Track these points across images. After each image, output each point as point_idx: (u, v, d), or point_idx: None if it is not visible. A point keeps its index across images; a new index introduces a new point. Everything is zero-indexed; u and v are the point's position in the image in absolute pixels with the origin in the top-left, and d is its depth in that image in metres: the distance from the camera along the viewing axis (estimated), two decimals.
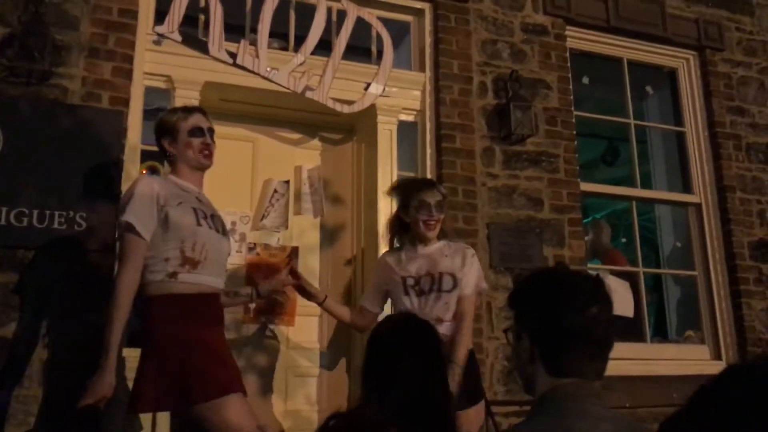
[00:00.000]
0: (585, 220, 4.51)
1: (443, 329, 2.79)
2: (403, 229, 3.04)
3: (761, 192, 4.64)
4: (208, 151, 2.61)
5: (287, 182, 4.09)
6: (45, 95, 3.21)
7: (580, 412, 1.29)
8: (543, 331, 1.41)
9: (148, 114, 3.90)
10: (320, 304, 3.11)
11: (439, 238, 3.02)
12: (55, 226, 3.07)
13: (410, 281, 2.95)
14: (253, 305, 3.68)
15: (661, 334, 4.77)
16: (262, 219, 4.00)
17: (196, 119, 2.63)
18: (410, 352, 1.77)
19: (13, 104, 3.13)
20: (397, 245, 3.12)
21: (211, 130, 2.67)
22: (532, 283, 1.50)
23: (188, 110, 2.70)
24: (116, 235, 2.45)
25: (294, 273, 3.03)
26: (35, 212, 3.05)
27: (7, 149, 3.06)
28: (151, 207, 2.40)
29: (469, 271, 2.96)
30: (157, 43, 3.52)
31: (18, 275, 3.00)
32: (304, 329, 3.94)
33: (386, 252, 3.21)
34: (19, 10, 3.19)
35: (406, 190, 3.06)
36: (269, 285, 2.98)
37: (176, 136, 2.60)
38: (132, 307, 2.40)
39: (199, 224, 2.45)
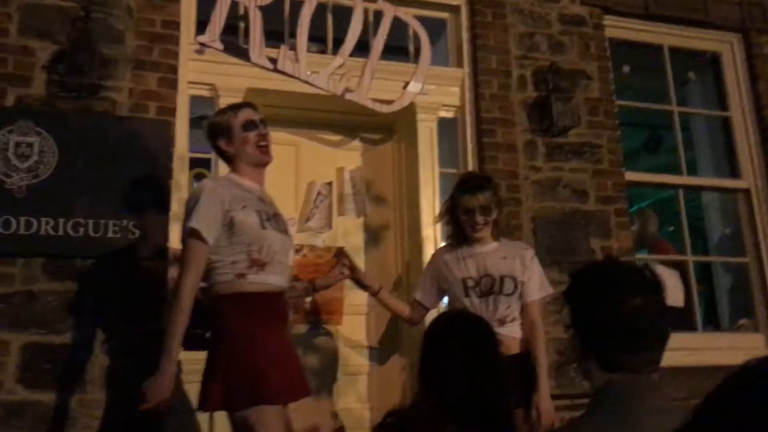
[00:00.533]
0: (630, 210, 4.46)
1: (506, 330, 2.82)
2: (459, 225, 3.02)
3: None
4: (264, 142, 2.60)
5: (330, 184, 4.14)
6: (95, 108, 3.31)
7: (637, 408, 1.28)
8: (588, 326, 1.41)
9: (193, 122, 4.00)
10: (375, 295, 3.13)
11: (496, 235, 3.01)
12: (110, 235, 3.16)
13: (470, 282, 2.94)
14: (308, 299, 3.72)
15: (713, 324, 4.69)
16: (306, 221, 4.06)
17: (247, 113, 2.63)
18: (466, 350, 1.77)
19: (66, 118, 3.23)
20: (453, 241, 3.11)
21: (264, 122, 2.66)
22: (578, 278, 1.51)
23: (237, 106, 2.70)
24: (181, 239, 2.47)
25: (350, 265, 3.05)
26: (90, 222, 3.15)
27: (62, 162, 3.17)
28: (216, 213, 2.41)
29: (531, 276, 2.94)
30: (199, 52, 3.60)
31: (76, 284, 3.10)
32: (353, 327, 3.98)
33: (442, 247, 3.22)
34: (67, 28, 3.29)
35: (452, 194, 3.07)
36: (326, 279, 3.02)
37: (231, 134, 2.60)
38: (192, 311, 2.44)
39: (263, 227, 2.46)
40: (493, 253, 2.96)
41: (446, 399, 1.70)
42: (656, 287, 1.43)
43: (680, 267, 4.43)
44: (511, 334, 2.86)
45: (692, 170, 4.78)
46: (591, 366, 1.40)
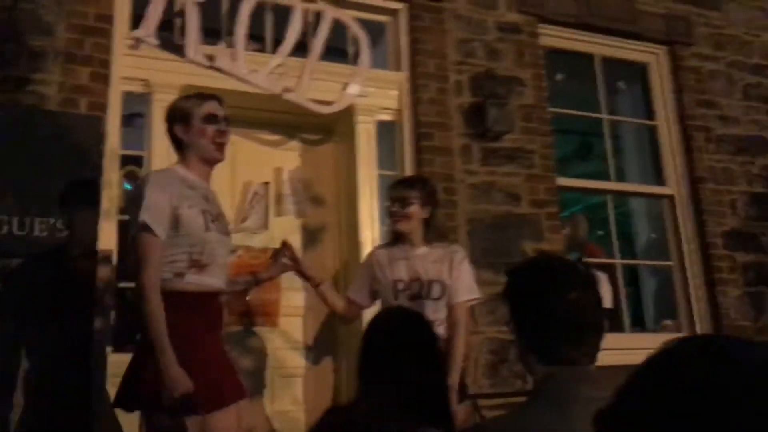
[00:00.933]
0: (562, 215, 4.58)
1: (439, 332, 2.82)
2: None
3: (732, 182, 4.75)
4: (221, 139, 2.52)
5: (267, 184, 4.11)
6: (22, 101, 3.19)
7: (574, 398, 1.30)
8: (527, 320, 1.44)
9: (126, 119, 3.90)
10: (316, 287, 3.08)
11: (429, 239, 3.00)
12: (36, 233, 3.05)
13: (401, 285, 2.94)
14: (247, 298, 3.67)
15: (639, 324, 4.86)
16: (242, 221, 4.01)
17: (211, 106, 2.55)
18: (406, 345, 1.77)
19: None
20: (388, 241, 3.15)
21: (227, 120, 2.57)
22: (515, 275, 1.53)
23: (203, 96, 2.59)
24: (132, 235, 2.36)
25: (293, 257, 3.01)
26: (15, 220, 3.03)
27: None
28: (165, 207, 2.33)
29: (459, 276, 2.93)
30: (133, 47, 3.51)
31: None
32: (289, 329, 3.96)
33: (378, 247, 3.23)
34: None
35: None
36: (269, 271, 2.98)
37: (190, 122, 2.51)
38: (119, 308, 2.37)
39: (207, 229, 2.40)
40: (425, 257, 2.96)
41: (387, 394, 1.68)
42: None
43: (609, 270, 4.57)
44: (441, 333, 2.87)
45: (621, 177, 4.95)
46: (531, 360, 1.42)
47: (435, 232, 3.08)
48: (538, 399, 1.38)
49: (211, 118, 2.53)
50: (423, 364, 1.76)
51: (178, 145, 2.56)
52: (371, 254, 3.19)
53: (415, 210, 2.96)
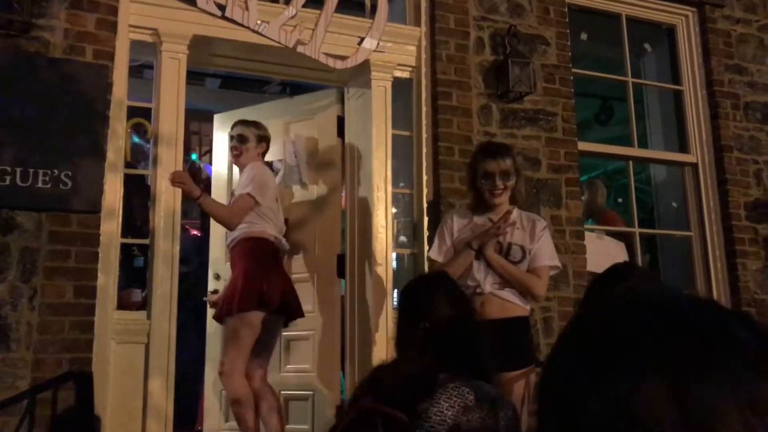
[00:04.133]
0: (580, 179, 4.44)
1: (505, 293, 2.82)
2: (478, 192, 2.96)
3: (758, 152, 4.59)
4: (233, 153, 3.62)
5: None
6: (26, 48, 3.07)
7: None
8: None
9: (134, 70, 3.78)
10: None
11: (518, 204, 2.98)
12: (39, 185, 2.95)
13: None
14: None
15: None
16: None
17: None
18: (450, 302, 1.92)
19: None
20: (470, 207, 3.06)
21: (240, 138, 3.58)
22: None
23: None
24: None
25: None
26: (18, 170, 2.94)
27: None
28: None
29: (541, 245, 2.91)
30: None
31: (1, 236, 2.90)
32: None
33: (457, 210, 3.20)
34: None
35: (473, 158, 3.04)
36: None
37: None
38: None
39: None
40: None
41: (435, 348, 1.76)
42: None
43: (627, 239, 4.46)
44: (509, 297, 2.83)
45: (643, 143, 4.79)
46: None
47: (517, 198, 3.00)
48: None
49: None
50: (468, 317, 1.92)
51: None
52: (449, 217, 3.07)
53: (513, 182, 2.94)
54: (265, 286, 3.22)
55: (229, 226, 3.41)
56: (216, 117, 4.65)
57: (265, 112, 4.24)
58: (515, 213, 2.94)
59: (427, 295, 1.97)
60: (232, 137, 3.63)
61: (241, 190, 3.39)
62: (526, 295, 2.89)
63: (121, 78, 3.28)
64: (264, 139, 3.65)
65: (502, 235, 2.87)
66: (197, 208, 6.47)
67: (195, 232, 6.82)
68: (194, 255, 5.48)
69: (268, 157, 3.86)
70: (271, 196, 3.48)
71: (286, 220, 3.75)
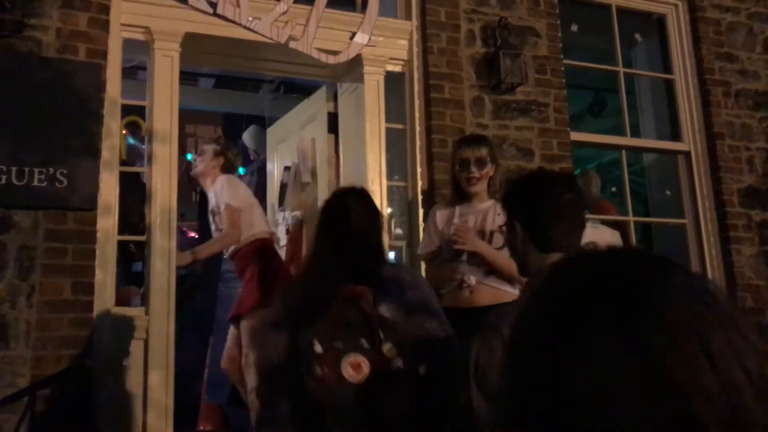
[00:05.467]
0: (575, 172, 4.47)
1: (491, 281, 2.88)
2: (456, 182, 3.07)
3: (750, 139, 4.62)
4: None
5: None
6: (18, 48, 3.08)
7: None
8: (530, 215, 1.79)
9: (127, 72, 3.80)
10: None
11: (491, 193, 3.03)
12: (35, 183, 2.97)
13: None
14: None
15: None
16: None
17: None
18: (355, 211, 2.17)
19: None
20: (450, 199, 3.16)
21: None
22: (519, 182, 1.95)
23: None
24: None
25: None
26: (14, 169, 2.95)
27: None
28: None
29: None
30: None
31: None
32: None
33: (438, 205, 3.27)
34: None
35: (453, 149, 3.14)
36: None
37: None
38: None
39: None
40: (489, 209, 3.00)
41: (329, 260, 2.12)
42: (580, 188, 1.92)
43: (622, 228, 4.48)
44: (498, 284, 2.88)
45: (636, 133, 4.82)
46: (528, 250, 1.79)
47: (494, 187, 3.06)
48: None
49: None
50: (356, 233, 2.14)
51: None
52: (433, 213, 3.18)
53: (489, 169, 3.01)
54: (279, 283, 3.33)
55: (237, 241, 3.73)
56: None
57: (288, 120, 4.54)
58: (490, 203, 3.00)
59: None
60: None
61: (225, 202, 3.73)
62: (515, 282, 2.91)
63: (114, 76, 3.29)
64: (221, 154, 3.98)
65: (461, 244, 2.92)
66: (195, 210, 6.51)
67: (192, 234, 6.83)
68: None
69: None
70: (244, 195, 3.83)
71: (301, 222, 3.94)
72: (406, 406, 1.92)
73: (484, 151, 3.00)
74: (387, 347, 1.94)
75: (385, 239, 2.39)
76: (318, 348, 1.94)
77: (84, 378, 2.82)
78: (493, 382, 1.43)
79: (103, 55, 3.22)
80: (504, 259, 2.84)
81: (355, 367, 1.91)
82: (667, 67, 4.73)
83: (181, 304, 4.93)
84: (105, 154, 3.17)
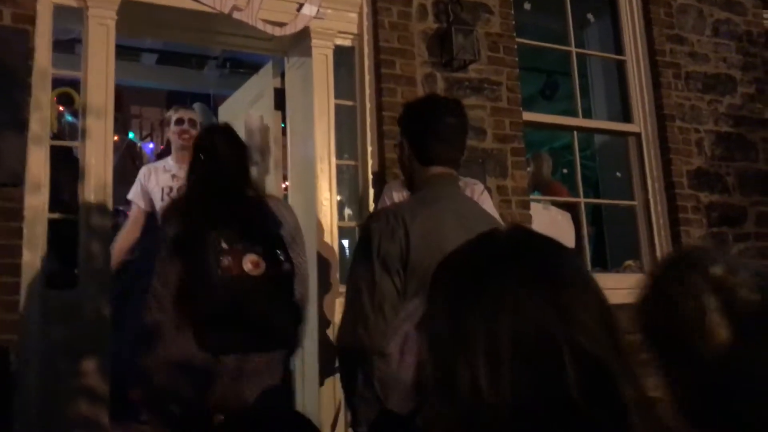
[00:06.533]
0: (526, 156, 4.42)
1: None
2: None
3: (699, 121, 4.64)
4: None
5: None
6: None
7: (440, 192, 1.96)
8: (416, 134, 2.03)
9: (65, 45, 3.59)
10: None
11: None
12: None
13: None
14: None
15: (601, 265, 4.78)
16: None
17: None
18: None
19: None
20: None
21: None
22: (410, 106, 2.18)
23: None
24: None
25: None
26: None
27: None
28: None
29: None
30: None
31: None
32: None
33: (393, 183, 3.14)
34: None
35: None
36: None
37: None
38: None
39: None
40: None
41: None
42: (464, 113, 2.11)
43: (572, 209, 4.46)
44: None
45: (587, 116, 4.80)
46: (414, 165, 2.03)
47: None
48: (416, 193, 2.03)
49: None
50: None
51: None
52: (391, 194, 3.04)
53: None
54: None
55: None
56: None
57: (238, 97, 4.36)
58: None
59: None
60: (182, 120, 3.94)
61: None
62: None
63: (43, 44, 3.08)
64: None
65: None
66: None
67: None
68: (137, 242, 5.29)
69: None
70: None
71: None
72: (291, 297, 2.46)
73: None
74: (280, 253, 2.41)
75: (253, 171, 2.83)
76: (224, 245, 2.30)
77: (3, 363, 2.63)
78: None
79: (31, 20, 3.01)
80: None
81: (254, 264, 2.31)
82: (619, 49, 4.71)
83: (128, 294, 4.74)
84: (34, 127, 2.96)
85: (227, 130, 2.63)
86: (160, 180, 3.88)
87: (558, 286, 0.79)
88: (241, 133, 4.15)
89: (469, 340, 0.73)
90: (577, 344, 0.74)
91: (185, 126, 3.89)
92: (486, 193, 2.95)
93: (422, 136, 2.00)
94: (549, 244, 0.85)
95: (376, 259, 1.76)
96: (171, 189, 3.83)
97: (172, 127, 3.94)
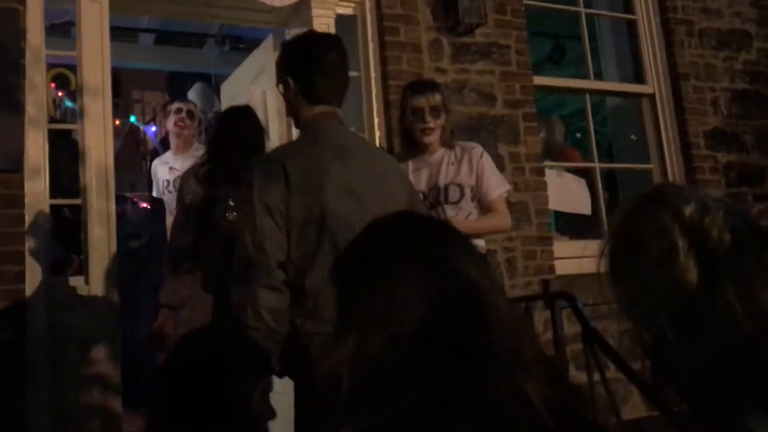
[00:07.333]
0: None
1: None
2: (408, 133, 2.82)
3: (714, 79, 4.50)
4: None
5: None
6: None
7: (326, 129, 2.02)
8: (300, 72, 2.03)
9: (60, 28, 3.49)
10: None
11: (444, 143, 2.80)
12: None
13: (420, 196, 2.70)
14: None
15: None
16: None
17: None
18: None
19: None
20: (402, 152, 2.93)
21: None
22: (291, 43, 2.25)
23: None
24: None
25: None
26: None
27: None
28: None
29: (481, 175, 2.76)
30: None
31: None
32: None
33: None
34: None
35: (401, 99, 2.87)
36: None
37: None
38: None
39: None
40: (442, 160, 2.79)
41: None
42: (345, 51, 2.11)
43: (587, 175, 4.34)
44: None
45: (598, 78, 4.66)
46: (300, 103, 2.04)
47: (447, 135, 2.83)
48: (303, 132, 2.08)
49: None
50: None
51: None
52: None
53: (443, 118, 2.79)
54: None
55: None
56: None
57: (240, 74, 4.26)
58: (441, 153, 2.79)
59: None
60: (181, 110, 4.10)
61: None
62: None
63: (35, 24, 2.98)
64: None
65: None
66: (145, 179, 6.21)
67: (144, 205, 6.52)
68: (145, 228, 5.25)
69: None
70: None
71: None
72: None
73: (438, 98, 2.77)
74: None
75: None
76: (231, 202, 2.50)
77: (14, 353, 2.56)
78: None
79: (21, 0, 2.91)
80: (479, 224, 2.75)
81: None
82: (629, 8, 4.56)
83: (137, 278, 4.66)
84: (30, 110, 2.87)
85: (248, 112, 2.87)
86: (159, 173, 4.14)
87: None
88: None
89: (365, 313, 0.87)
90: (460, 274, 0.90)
91: (182, 115, 4.06)
92: (486, 155, 2.84)
93: (309, 74, 2.00)
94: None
95: (257, 202, 1.87)
96: (168, 182, 4.00)
97: (171, 116, 4.12)
